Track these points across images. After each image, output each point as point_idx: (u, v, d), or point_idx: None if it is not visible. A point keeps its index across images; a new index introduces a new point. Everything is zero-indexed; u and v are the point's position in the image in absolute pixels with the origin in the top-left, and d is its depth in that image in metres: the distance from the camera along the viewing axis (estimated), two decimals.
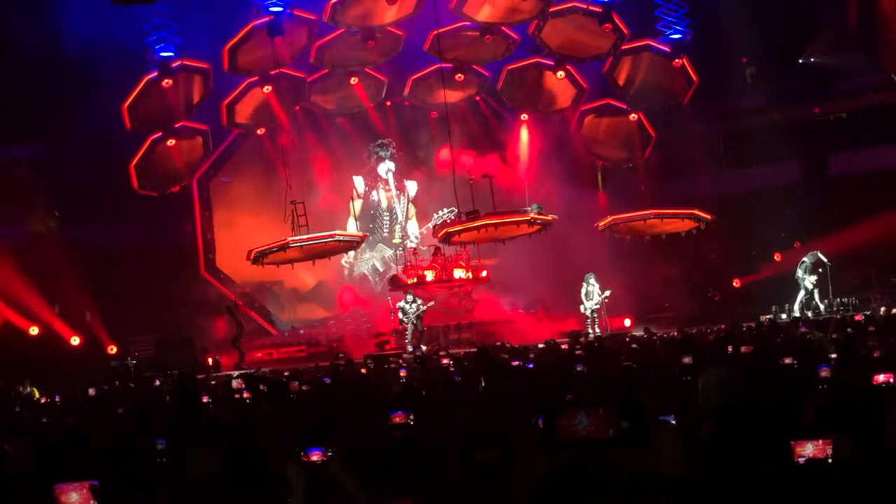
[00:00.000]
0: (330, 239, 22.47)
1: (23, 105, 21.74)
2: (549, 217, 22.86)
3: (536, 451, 4.45)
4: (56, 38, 22.91)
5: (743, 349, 11.63)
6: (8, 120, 21.57)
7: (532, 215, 22.39)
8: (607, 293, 23.74)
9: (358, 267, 28.42)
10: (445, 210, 26.35)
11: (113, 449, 7.20)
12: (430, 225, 27.07)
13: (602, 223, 24.10)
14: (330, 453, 5.28)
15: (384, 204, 28.80)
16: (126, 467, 6.19)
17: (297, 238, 21.68)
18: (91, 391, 14.72)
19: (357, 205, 28.55)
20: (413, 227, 28.53)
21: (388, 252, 28.34)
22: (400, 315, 23.54)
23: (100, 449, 7.32)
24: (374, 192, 28.74)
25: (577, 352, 14.73)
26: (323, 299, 28.34)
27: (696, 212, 23.64)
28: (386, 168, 28.48)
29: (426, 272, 25.23)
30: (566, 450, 4.36)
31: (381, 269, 28.23)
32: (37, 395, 18.43)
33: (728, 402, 6.38)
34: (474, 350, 16.95)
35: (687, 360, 9.47)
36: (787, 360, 9.38)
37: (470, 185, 23.65)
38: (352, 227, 27.74)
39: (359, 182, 28.46)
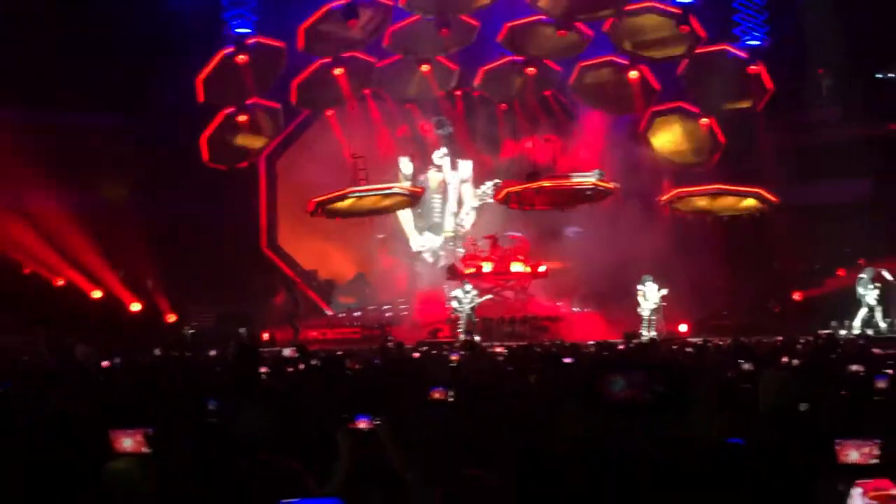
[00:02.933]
0: (389, 191, 22.77)
1: (100, 73, 22.12)
2: (611, 185, 22.87)
3: (573, 413, 4.47)
4: (135, 7, 23.33)
5: (794, 361, 11.50)
6: (85, 87, 21.98)
7: (593, 180, 22.38)
8: (663, 292, 23.53)
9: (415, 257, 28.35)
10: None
11: (167, 405, 7.38)
12: (476, 204, 26.91)
13: (665, 196, 24.02)
14: (377, 422, 5.36)
15: (434, 186, 28.39)
16: (178, 422, 6.34)
17: (357, 189, 22.06)
18: (156, 351, 15.08)
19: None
20: (467, 207, 28.16)
21: (438, 241, 28.16)
22: (454, 304, 23.60)
23: (155, 405, 7.51)
24: (422, 176, 28.34)
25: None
26: (360, 293, 28.21)
27: (761, 191, 23.46)
28: (441, 153, 28.29)
29: (484, 263, 25.29)
30: (602, 411, 4.38)
31: (430, 261, 28.15)
32: (95, 356, 18.83)
33: (785, 403, 6.36)
34: (526, 344, 16.98)
35: (748, 366, 9.37)
36: (854, 368, 9.24)
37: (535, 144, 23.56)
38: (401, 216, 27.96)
39: (405, 164, 27.96)
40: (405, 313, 26.43)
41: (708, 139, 26.21)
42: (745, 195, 23.98)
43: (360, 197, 23.09)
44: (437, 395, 6.65)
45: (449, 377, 9.11)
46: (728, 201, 24.12)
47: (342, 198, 22.73)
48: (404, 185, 24.68)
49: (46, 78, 22.19)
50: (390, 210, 25.20)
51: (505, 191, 23.32)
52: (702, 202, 23.84)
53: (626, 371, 4.45)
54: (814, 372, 9.85)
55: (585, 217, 26.95)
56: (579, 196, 23.84)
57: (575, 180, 23.09)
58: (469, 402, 6.84)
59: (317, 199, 23.05)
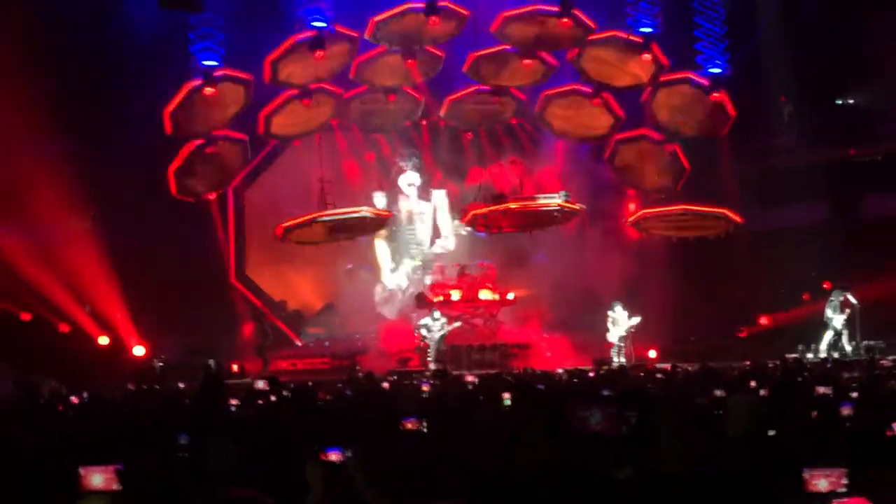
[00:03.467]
0: (356, 215, 22.87)
1: (67, 101, 21.98)
2: (577, 206, 23.12)
3: (544, 440, 4.52)
4: (105, 37, 23.31)
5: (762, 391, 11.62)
6: (52, 115, 21.82)
7: (559, 202, 22.60)
8: (635, 320, 23.70)
9: (384, 287, 28.27)
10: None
11: (138, 440, 7.35)
12: (452, 235, 27.00)
13: (632, 217, 24.29)
14: (348, 454, 5.39)
15: (405, 218, 28.34)
16: (150, 457, 6.33)
17: (325, 213, 22.14)
18: (129, 385, 14.99)
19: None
20: (444, 234, 28.14)
21: (411, 266, 28.19)
22: (423, 332, 23.63)
23: (125, 440, 7.47)
24: (396, 206, 28.19)
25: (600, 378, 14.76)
26: (329, 323, 28.03)
27: (726, 212, 23.82)
28: (408, 181, 28.21)
29: (452, 291, 25.36)
30: (575, 441, 4.44)
31: (404, 286, 28.19)
32: (62, 391, 18.65)
33: (754, 427, 6.46)
34: (496, 372, 17.02)
35: (719, 392, 9.47)
36: (822, 390, 9.36)
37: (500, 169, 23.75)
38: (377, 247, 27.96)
39: (379, 199, 27.57)
40: (374, 342, 26.39)
41: (672, 165, 26.48)
42: (710, 215, 24.33)
43: (328, 221, 23.18)
44: (409, 426, 6.67)
45: (421, 407, 9.14)
46: (693, 221, 24.49)
47: (310, 222, 22.83)
48: (371, 209, 24.73)
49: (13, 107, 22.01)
50: (358, 235, 25.29)
51: (471, 213, 23.47)
52: (667, 223, 24.19)
53: (600, 403, 4.52)
54: (782, 396, 9.98)
55: (552, 243, 27.14)
56: (546, 218, 24.06)
57: (541, 202, 23.36)
58: (441, 431, 6.87)
59: (284, 225, 23.12)
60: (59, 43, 22.46)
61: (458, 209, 26.67)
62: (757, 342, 25.34)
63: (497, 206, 22.58)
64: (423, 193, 28.43)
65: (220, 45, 23.82)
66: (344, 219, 23.30)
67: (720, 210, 24.15)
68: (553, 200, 23.16)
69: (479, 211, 23.11)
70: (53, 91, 21.38)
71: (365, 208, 24.32)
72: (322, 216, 22.82)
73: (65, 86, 22.16)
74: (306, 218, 22.77)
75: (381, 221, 24.92)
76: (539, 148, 28.61)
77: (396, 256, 28.24)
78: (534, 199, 23.66)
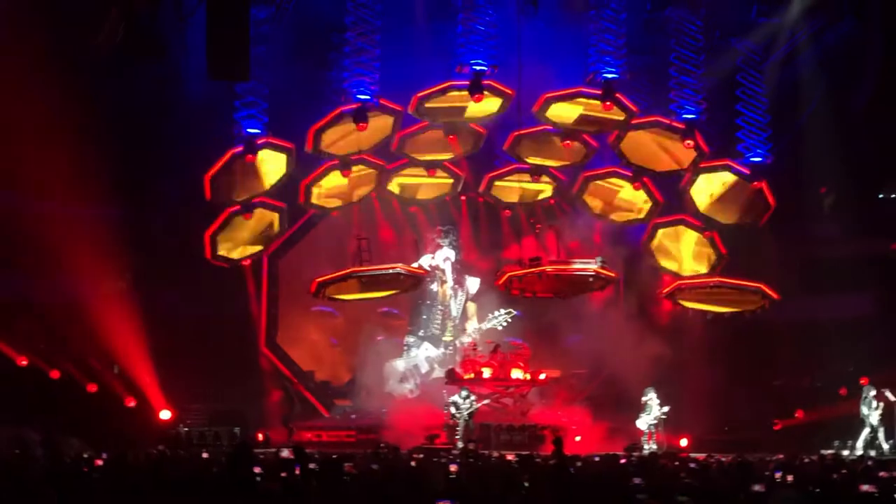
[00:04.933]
0: (392, 271, 22.84)
1: (104, 163, 22.19)
2: (613, 273, 22.96)
3: None
4: (145, 98, 23.65)
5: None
6: (94, 179, 22.03)
7: (595, 267, 22.41)
8: (666, 409, 23.29)
9: (400, 365, 27.90)
10: (503, 310, 26.36)
11: None
12: (486, 326, 26.82)
13: (667, 289, 24.04)
14: None
15: (439, 297, 28.04)
16: None
17: (360, 269, 22.16)
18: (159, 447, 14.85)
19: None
20: (472, 325, 27.77)
21: (435, 352, 27.76)
22: (452, 409, 23.34)
23: None
24: (431, 284, 27.88)
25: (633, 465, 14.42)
26: (356, 395, 27.53)
27: (763, 287, 23.52)
28: (444, 256, 27.78)
29: (484, 369, 25.09)
30: None
31: (423, 370, 27.76)
32: (85, 452, 18.54)
33: None
34: (527, 454, 16.71)
35: (758, 487, 9.17)
36: (866, 488, 9.03)
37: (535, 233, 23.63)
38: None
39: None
40: (399, 417, 26.04)
41: (710, 251, 26.26)
42: (746, 290, 24.06)
43: (362, 276, 23.20)
44: None
45: (449, 487, 8.91)
46: (729, 296, 24.24)
47: (345, 277, 22.88)
48: (406, 266, 24.62)
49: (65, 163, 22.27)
50: (392, 291, 25.21)
51: (507, 275, 23.29)
52: (702, 295, 24.02)
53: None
54: (824, 493, 9.66)
55: (585, 323, 26.92)
56: (581, 284, 23.82)
57: (577, 266, 23.20)
58: None
59: (319, 279, 23.13)
60: (112, 106, 22.79)
61: (505, 312, 26.45)
62: (792, 435, 24.79)
63: (533, 269, 22.44)
64: (458, 276, 28.11)
65: (264, 113, 24.11)
66: (378, 275, 23.33)
67: (756, 284, 23.93)
68: (589, 266, 23.02)
69: (514, 273, 22.97)
70: (104, 152, 21.62)
71: (400, 265, 24.30)
72: (357, 271, 22.90)
73: (114, 148, 22.38)
74: (342, 273, 22.88)
75: (415, 279, 24.79)
76: (576, 229, 28.48)
77: (419, 333, 27.93)
78: (569, 263, 23.56)
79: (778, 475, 12.73)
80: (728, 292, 24.56)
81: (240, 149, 24.20)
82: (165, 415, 23.91)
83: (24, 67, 19.75)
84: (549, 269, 22.61)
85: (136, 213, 24.72)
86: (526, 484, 10.05)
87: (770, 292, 23.83)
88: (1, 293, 22.13)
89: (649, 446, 23.01)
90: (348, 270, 22.81)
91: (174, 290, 24.72)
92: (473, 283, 27.98)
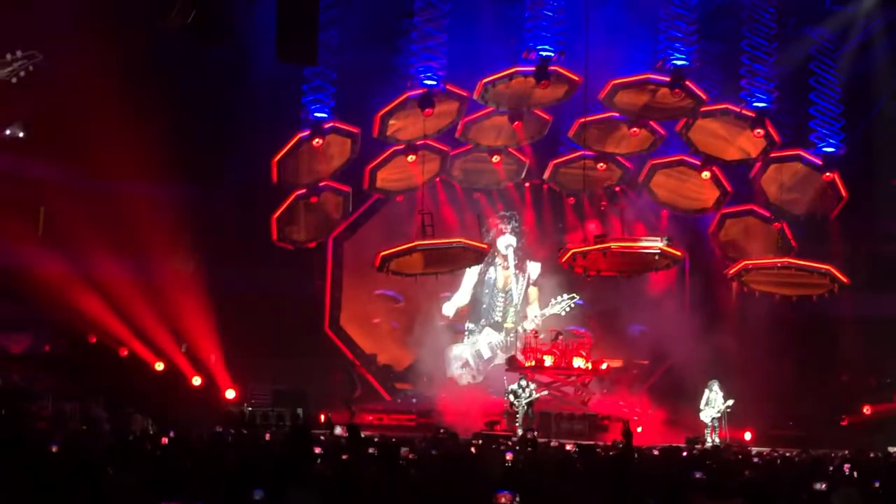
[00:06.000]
0: (456, 245, 22.83)
1: (176, 144, 22.51)
2: (678, 252, 22.68)
3: None
4: (220, 82, 23.92)
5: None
6: (169, 157, 22.36)
7: (661, 245, 22.18)
8: (730, 402, 22.99)
9: (462, 351, 28.02)
10: (566, 296, 26.24)
11: (218, 487, 7.28)
12: (548, 312, 26.79)
13: (733, 269, 23.74)
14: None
15: (500, 283, 28.19)
16: None
17: (424, 242, 22.26)
18: (218, 428, 15.10)
19: (469, 279, 28.07)
20: (534, 311, 27.96)
21: (497, 338, 27.81)
22: (511, 398, 23.34)
23: (207, 485, 7.42)
24: (490, 269, 28.12)
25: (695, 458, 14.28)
26: (417, 379, 27.77)
27: (832, 270, 23.06)
28: (506, 243, 27.92)
29: (545, 357, 25.03)
30: None
31: (485, 356, 27.79)
32: (151, 429, 18.89)
33: None
34: (586, 443, 16.64)
35: (820, 486, 8.99)
36: None
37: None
38: (457, 301, 27.93)
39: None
40: (463, 403, 26.10)
41: (779, 243, 25.79)
42: (815, 272, 23.61)
43: (426, 250, 23.31)
44: (503, 501, 6.46)
45: (506, 476, 8.89)
46: (797, 278, 23.81)
47: (409, 251, 23.00)
48: (468, 240, 24.65)
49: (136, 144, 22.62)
50: (456, 268, 25.24)
51: (570, 252, 23.07)
52: (770, 276, 23.67)
53: (719, 499, 4.28)
54: (888, 492, 9.47)
55: (649, 313, 26.71)
56: (646, 262, 23.56)
57: (643, 244, 22.93)
58: None
59: (383, 253, 23.27)
60: (182, 87, 23.09)
61: (568, 297, 26.39)
62: (859, 432, 24.34)
63: (598, 246, 22.23)
64: (520, 262, 28.12)
65: (332, 97, 24.25)
66: (442, 248, 23.42)
67: (825, 266, 23.37)
68: (655, 244, 22.75)
69: (578, 249, 22.73)
70: (173, 133, 21.90)
71: (463, 239, 24.35)
72: (421, 244, 22.96)
73: (183, 129, 22.68)
74: (406, 246, 22.98)
75: (479, 254, 24.78)
76: (641, 216, 28.20)
77: (480, 320, 27.96)
78: (636, 240, 23.32)
79: (846, 468, 12.57)
80: (796, 274, 24.04)
81: (307, 132, 24.37)
82: (230, 394, 24.24)
83: (95, 48, 20.02)
84: (614, 245, 22.34)
85: (205, 194, 25.06)
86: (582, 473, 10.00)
87: (840, 275, 23.27)
88: (70, 270, 22.52)
89: (712, 440, 22.76)
90: (413, 243, 22.86)
91: (241, 270, 25.07)
92: (535, 268, 28.04)
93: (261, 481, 6.84)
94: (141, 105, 20.43)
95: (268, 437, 15.41)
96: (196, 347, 24.41)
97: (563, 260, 23.19)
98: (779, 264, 23.92)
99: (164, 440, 12.82)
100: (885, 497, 9.44)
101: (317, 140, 24.37)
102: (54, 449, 10.34)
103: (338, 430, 12.92)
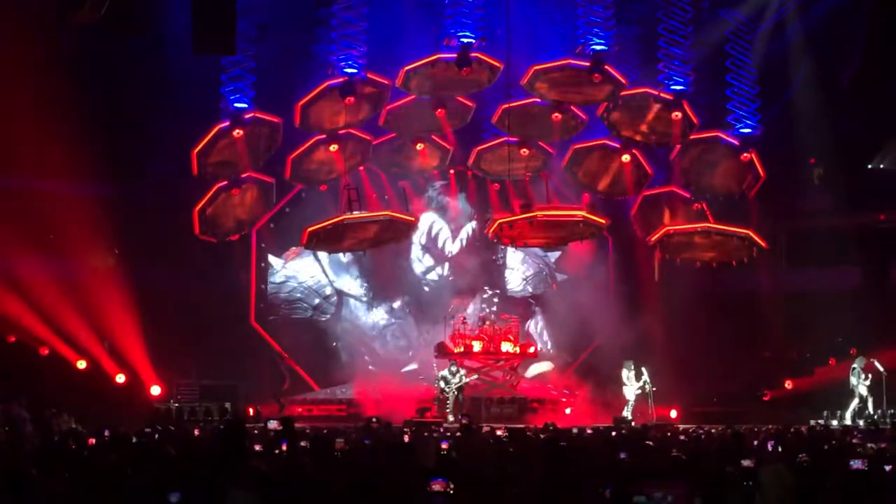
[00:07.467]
0: (382, 217, 22.78)
1: (99, 137, 22.01)
2: (602, 219, 23.03)
3: None
4: (134, 74, 23.46)
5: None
6: (82, 155, 21.86)
7: (584, 213, 22.52)
8: (645, 378, 23.19)
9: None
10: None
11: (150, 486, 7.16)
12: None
13: (655, 235, 24.13)
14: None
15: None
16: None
17: (349, 216, 22.26)
18: (147, 429, 14.88)
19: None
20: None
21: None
22: (441, 384, 23.40)
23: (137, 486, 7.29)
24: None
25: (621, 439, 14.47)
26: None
27: (751, 234, 23.59)
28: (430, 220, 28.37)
29: (474, 342, 25.14)
30: None
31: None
32: (74, 425, 18.52)
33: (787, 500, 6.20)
34: (517, 427, 16.75)
35: (747, 462, 9.17)
36: (857, 465, 9.04)
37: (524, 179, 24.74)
38: None
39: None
40: (392, 391, 26.12)
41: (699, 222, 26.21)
42: (734, 235, 24.12)
43: (352, 224, 23.29)
44: (437, 487, 6.47)
45: (441, 463, 8.91)
46: (717, 244, 24.30)
47: (335, 226, 22.94)
48: (394, 213, 24.64)
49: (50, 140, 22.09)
50: (384, 242, 25.22)
51: (497, 222, 23.22)
52: (691, 241, 24.15)
53: (666, 482, 4.33)
54: (813, 466, 9.70)
55: (575, 298, 27.01)
56: (571, 231, 23.92)
57: (566, 212, 23.34)
58: (470, 494, 6.66)
59: (310, 229, 23.13)
60: (98, 82, 22.62)
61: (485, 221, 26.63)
62: (781, 406, 24.93)
63: (524, 216, 22.43)
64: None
65: (251, 87, 23.92)
66: (368, 222, 23.41)
67: (744, 231, 23.92)
68: (578, 212, 23.26)
69: (505, 220, 22.93)
70: (92, 129, 21.44)
71: (388, 212, 24.35)
72: (347, 219, 22.91)
73: (97, 122, 22.20)
74: (333, 220, 22.89)
75: (406, 227, 24.80)
76: (564, 201, 28.39)
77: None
78: (560, 208, 23.71)
79: (770, 445, 12.85)
80: (716, 239, 24.54)
81: (226, 123, 24.01)
82: (156, 391, 23.89)
83: (7, 45, 19.49)
84: (539, 214, 22.61)
85: (125, 189, 24.56)
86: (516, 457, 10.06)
87: (758, 239, 23.86)
88: None
89: (630, 416, 22.95)
90: (339, 217, 22.78)
91: (163, 265, 24.65)
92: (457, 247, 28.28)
93: (195, 480, 6.73)
94: (58, 101, 19.96)
95: (197, 432, 15.20)
96: (119, 345, 23.98)
97: (490, 231, 23.32)
98: (699, 228, 24.40)
99: (91, 441, 12.54)
100: (811, 470, 9.65)
101: (237, 131, 24.02)
102: None
103: (272, 424, 12.76)
